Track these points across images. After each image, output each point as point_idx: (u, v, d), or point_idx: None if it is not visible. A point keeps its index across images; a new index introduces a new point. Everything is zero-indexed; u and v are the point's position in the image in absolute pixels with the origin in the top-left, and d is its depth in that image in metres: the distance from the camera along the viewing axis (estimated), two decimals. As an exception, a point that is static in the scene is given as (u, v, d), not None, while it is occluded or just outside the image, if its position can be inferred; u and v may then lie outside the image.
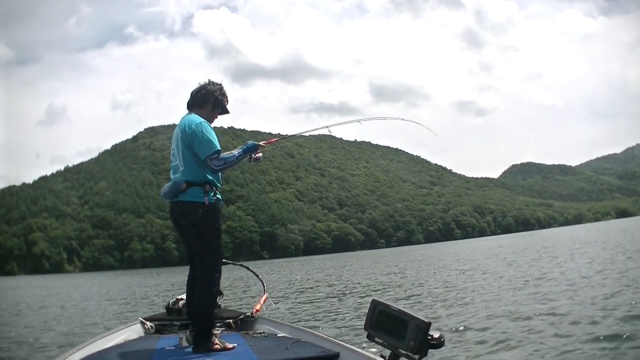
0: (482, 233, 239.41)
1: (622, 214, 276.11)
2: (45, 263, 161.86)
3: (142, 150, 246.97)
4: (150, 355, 5.06)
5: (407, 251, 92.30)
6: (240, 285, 28.28)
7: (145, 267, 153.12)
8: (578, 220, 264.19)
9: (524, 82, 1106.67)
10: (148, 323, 6.26)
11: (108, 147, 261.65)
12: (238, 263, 9.04)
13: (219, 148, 5.45)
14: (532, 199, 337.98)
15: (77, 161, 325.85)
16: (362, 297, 17.44)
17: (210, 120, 5.83)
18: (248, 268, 8.70)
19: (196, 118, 5.64)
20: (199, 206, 5.44)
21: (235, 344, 5.51)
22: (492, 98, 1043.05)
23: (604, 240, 39.83)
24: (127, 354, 5.21)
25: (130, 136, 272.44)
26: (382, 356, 3.79)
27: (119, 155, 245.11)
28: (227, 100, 5.99)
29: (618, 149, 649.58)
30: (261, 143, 5.89)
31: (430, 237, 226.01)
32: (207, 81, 5.93)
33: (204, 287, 5.46)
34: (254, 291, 22.69)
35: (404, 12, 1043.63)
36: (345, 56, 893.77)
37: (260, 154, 5.89)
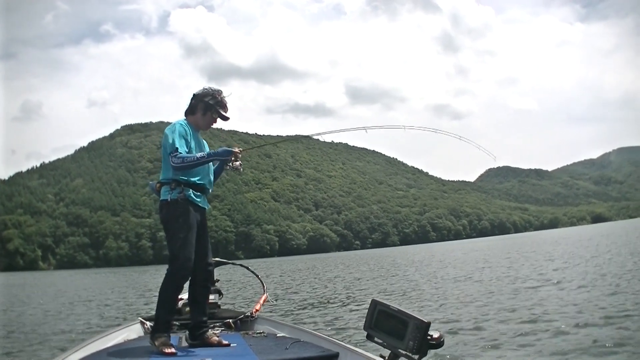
0: (457, 236, 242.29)
1: (598, 219, 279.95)
2: (20, 260, 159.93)
3: (118, 148, 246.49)
4: (150, 355, 5.09)
5: (386, 253, 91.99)
6: (240, 285, 28.44)
7: (120, 266, 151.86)
8: (554, 224, 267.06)
9: (500, 87, 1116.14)
10: (147, 323, 6.18)
11: (84, 144, 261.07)
12: (237, 263, 9.15)
13: (177, 146, 5.44)
14: (508, 202, 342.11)
15: (53, 158, 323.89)
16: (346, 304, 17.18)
17: (204, 126, 5.92)
18: (247, 268, 8.72)
19: (175, 122, 5.76)
20: (164, 204, 5.55)
21: (235, 344, 5.59)
22: (468, 102, 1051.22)
23: (589, 245, 40.31)
24: (126, 353, 5.27)
25: (107, 134, 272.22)
26: (381, 356, 3.84)
27: (96, 152, 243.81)
28: (223, 106, 5.91)
29: (594, 155, 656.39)
30: (236, 150, 5.75)
31: (406, 240, 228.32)
32: (206, 88, 5.97)
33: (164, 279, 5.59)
34: (253, 291, 22.89)
35: (380, 15, 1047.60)
36: (322, 57, 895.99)
37: (238, 162, 5.82)
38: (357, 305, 15.52)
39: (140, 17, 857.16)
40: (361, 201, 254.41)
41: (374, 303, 3.83)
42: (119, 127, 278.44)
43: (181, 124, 5.69)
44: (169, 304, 5.53)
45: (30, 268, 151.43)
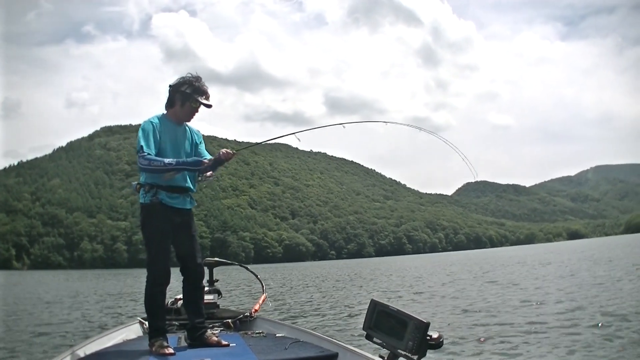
0: (433, 249, 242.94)
1: (574, 235, 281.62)
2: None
3: (97, 149, 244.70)
4: (149, 355, 5.11)
5: (364, 263, 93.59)
6: (239, 285, 28.56)
7: (94, 268, 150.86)
8: (530, 240, 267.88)
9: (480, 102, 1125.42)
10: (146, 323, 5.91)
11: (63, 144, 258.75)
12: (236, 263, 9.00)
13: (142, 144, 5.28)
14: (485, 217, 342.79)
15: (30, 157, 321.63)
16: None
17: (185, 118, 5.70)
18: (247, 268, 8.77)
19: (147, 118, 5.58)
20: (141, 207, 5.48)
21: (234, 344, 5.58)
22: (447, 116, 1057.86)
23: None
24: (125, 353, 5.33)
25: (85, 134, 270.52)
26: (380, 356, 3.85)
27: (74, 153, 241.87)
28: (202, 92, 5.63)
29: (572, 172, 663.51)
30: (205, 160, 5.49)
31: (381, 251, 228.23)
32: (183, 76, 5.73)
33: None
34: (252, 291, 23.10)
35: (361, 27, 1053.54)
36: (302, 67, 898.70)
37: (210, 173, 5.67)
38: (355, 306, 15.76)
39: (122, 19, 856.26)
40: (338, 211, 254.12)
41: (373, 303, 3.90)
42: (98, 129, 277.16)
43: (151, 120, 5.53)
44: (155, 310, 5.49)
45: (3, 267, 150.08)
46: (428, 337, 3.45)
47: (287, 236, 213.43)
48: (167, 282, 5.51)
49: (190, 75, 5.66)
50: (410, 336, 3.48)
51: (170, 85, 5.67)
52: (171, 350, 5.14)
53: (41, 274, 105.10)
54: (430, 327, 3.46)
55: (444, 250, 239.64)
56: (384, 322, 3.73)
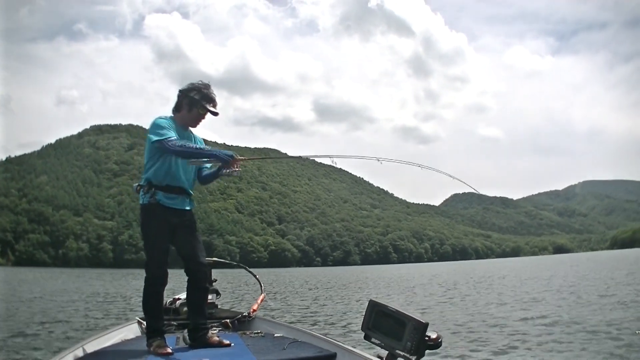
0: (419, 259, 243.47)
1: (560, 249, 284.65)
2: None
3: (86, 147, 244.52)
4: (147, 355, 5.09)
5: (351, 271, 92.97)
6: (238, 285, 28.65)
7: (79, 267, 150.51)
8: (515, 252, 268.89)
9: (469, 113, 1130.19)
10: (145, 322, 5.81)
11: (52, 141, 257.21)
12: (235, 263, 9.10)
13: (166, 133, 5.29)
14: (472, 228, 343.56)
15: (19, 153, 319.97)
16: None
17: (192, 123, 5.76)
18: (245, 268, 8.72)
19: (156, 117, 5.55)
20: (140, 208, 5.47)
21: (233, 343, 5.56)
22: (435, 126, 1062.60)
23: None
24: (124, 353, 5.30)
25: (74, 132, 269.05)
26: (379, 357, 3.83)
27: (63, 150, 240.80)
28: (210, 100, 5.72)
29: (560, 186, 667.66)
30: (238, 157, 5.50)
31: (367, 259, 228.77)
32: (193, 82, 5.82)
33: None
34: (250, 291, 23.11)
35: (353, 35, 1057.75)
36: (293, 73, 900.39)
37: (236, 169, 5.55)
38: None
39: (114, 19, 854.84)
40: (325, 218, 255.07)
41: (372, 304, 3.86)
42: (87, 127, 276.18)
43: (164, 118, 5.54)
44: (152, 311, 5.49)
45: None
46: (426, 338, 3.41)
47: (273, 241, 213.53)
48: (164, 282, 5.49)
49: (200, 82, 5.77)
50: (408, 336, 3.43)
51: (179, 90, 5.75)
52: (169, 350, 5.16)
53: (25, 270, 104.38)
54: (428, 328, 3.41)
55: (430, 260, 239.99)
56: (383, 323, 3.66)
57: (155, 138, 5.28)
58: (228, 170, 5.49)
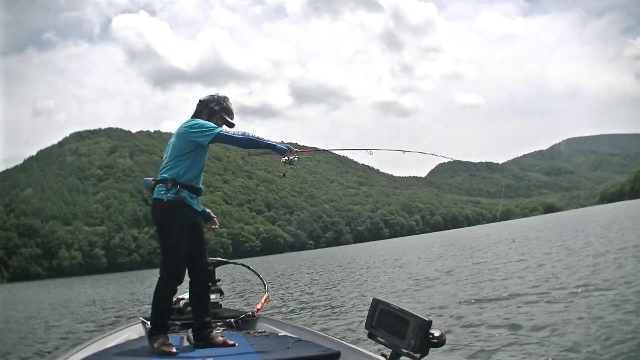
0: (410, 231, 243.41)
1: (550, 209, 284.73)
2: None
3: (68, 155, 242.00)
4: (151, 355, 5.13)
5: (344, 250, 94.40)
6: (241, 284, 28.52)
7: (74, 275, 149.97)
8: (506, 216, 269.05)
9: (446, 83, 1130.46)
10: (149, 323, 5.83)
11: (33, 153, 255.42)
12: (239, 262, 9.08)
13: (214, 128, 5.61)
14: (460, 196, 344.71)
15: (2, 168, 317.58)
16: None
17: None
18: (249, 267, 8.72)
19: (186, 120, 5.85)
20: (158, 203, 5.50)
21: (237, 343, 5.58)
22: (414, 99, 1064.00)
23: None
24: (128, 353, 5.33)
25: (55, 142, 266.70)
26: (383, 355, 3.87)
27: (45, 161, 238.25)
28: (229, 112, 6.03)
29: (544, 146, 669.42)
30: (293, 149, 5.90)
31: (359, 237, 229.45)
32: (212, 94, 6.08)
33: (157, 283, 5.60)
34: (253, 290, 23.03)
35: (322, 15, 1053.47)
36: (266, 59, 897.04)
37: (295, 157, 5.98)
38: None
39: (82, 24, 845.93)
40: (313, 200, 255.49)
41: (376, 302, 3.92)
42: (67, 135, 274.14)
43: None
44: (163, 308, 5.54)
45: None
46: (430, 336, 3.49)
47: (264, 229, 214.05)
48: (180, 281, 5.60)
49: (217, 94, 6.05)
50: (412, 335, 3.52)
51: (200, 100, 6.02)
52: (174, 350, 5.22)
53: (20, 286, 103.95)
54: (432, 326, 3.50)
55: (422, 232, 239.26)
56: (386, 321, 3.78)
57: (213, 132, 5.58)
58: (288, 159, 5.90)
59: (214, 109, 5.91)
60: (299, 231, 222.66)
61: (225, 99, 6.04)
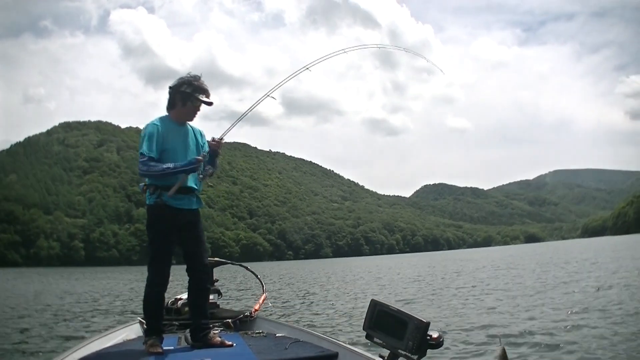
0: (390, 250, 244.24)
1: (531, 238, 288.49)
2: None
3: (55, 145, 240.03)
4: (149, 355, 5.09)
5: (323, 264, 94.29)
6: (239, 285, 28.58)
7: (50, 266, 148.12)
8: (487, 242, 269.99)
9: (436, 105, 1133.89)
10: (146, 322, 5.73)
11: (21, 139, 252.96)
12: (237, 263, 8.90)
13: (143, 150, 5.32)
14: (443, 219, 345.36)
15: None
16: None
17: (188, 117, 5.74)
18: (247, 268, 8.71)
19: (150, 121, 5.62)
20: (147, 208, 5.48)
21: (234, 343, 5.57)
22: (404, 118, 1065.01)
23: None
24: (125, 353, 5.33)
25: (43, 130, 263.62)
26: (380, 356, 3.85)
27: (32, 148, 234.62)
28: (203, 91, 5.69)
29: (530, 176, 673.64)
30: (199, 157, 5.48)
31: (339, 252, 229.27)
32: (182, 76, 5.79)
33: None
34: (252, 291, 23.19)
35: (320, 28, 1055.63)
36: (260, 66, 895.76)
37: (209, 167, 5.69)
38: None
39: (80, 15, 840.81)
40: (296, 211, 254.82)
41: (374, 303, 3.92)
42: (56, 124, 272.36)
43: (154, 123, 5.55)
44: (152, 309, 5.54)
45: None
46: (428, 337, 3.52)
47: (245, 236, 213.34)
48: (165, 283, 5.55)
49: (189, 75, 5.74)
50: (410, 336, 3.53)
51: (170, 87, 5.73)
52: (160, 350, 5.20)
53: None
54: (430, 327, 3.53)
55: (402, 251, 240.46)
56: (384, 322, 3.79)
57: (139, 152, 5.37)
58: (201, 175, 5.62)
59: (187, 92, 5.62)
60: (279, 241, 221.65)
61: (196, 77, 5.74)
